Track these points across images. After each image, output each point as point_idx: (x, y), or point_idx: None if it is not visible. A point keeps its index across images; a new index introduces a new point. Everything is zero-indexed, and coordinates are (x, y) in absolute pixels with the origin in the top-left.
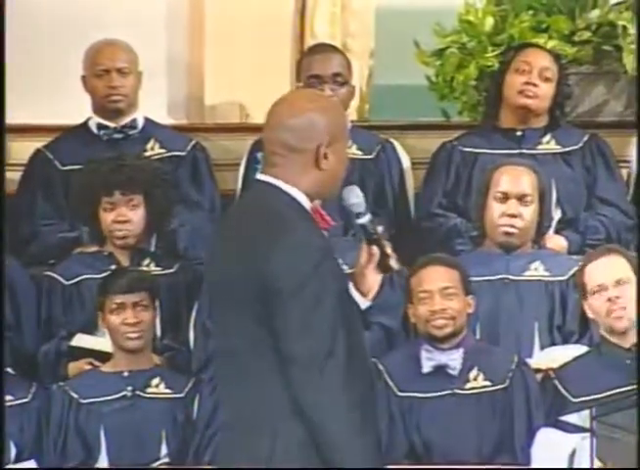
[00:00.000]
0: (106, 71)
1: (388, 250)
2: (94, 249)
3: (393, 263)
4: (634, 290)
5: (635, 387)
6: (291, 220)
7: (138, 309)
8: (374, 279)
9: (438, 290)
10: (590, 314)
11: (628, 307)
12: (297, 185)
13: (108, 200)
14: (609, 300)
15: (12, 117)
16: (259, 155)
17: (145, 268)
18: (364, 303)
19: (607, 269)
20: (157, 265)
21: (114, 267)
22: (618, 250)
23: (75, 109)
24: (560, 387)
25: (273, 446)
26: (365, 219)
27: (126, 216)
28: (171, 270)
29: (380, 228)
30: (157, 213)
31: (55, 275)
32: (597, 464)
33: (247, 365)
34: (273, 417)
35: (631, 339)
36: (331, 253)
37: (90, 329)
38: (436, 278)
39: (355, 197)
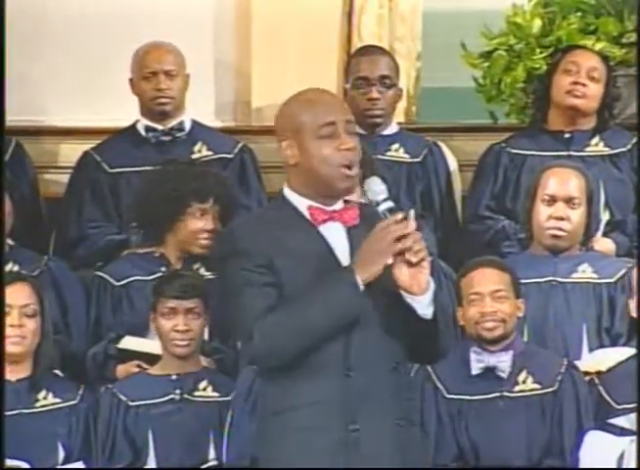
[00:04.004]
0: (153, 74)
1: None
2: (144, 250)
3: (410, 256)
4: None
5: None
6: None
7: (190, 317)
8: (402, 273)
9: (489, 292)
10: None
11: None
12: (288, 184)
13: (200, 206)
14: None
15: (61, 120)
16: None
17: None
18: (414, 300)
19: None
20: (207, 270)
21: (164, 269)
22: None
23: (123, 111)
24: (604, 393)
25: None
26: (382, 207)
27: (213, 225)
28: None
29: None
30: (223, 221)
31: (105, 275)
32: None
33: None
34: None
35: None
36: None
37: (139, 331)
38: (488, 281)
39: (373, 186)
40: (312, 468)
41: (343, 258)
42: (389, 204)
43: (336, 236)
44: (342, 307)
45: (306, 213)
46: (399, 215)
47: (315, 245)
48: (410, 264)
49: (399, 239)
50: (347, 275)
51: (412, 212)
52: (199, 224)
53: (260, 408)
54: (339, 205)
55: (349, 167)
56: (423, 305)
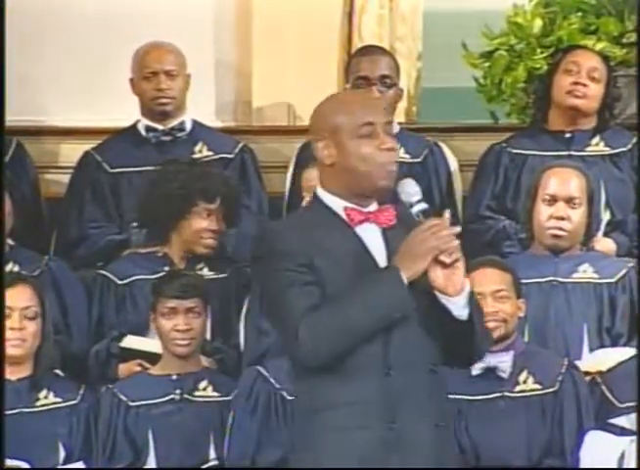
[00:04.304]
0: (154, 74)
1: None
2: (147, 249)
3: (445, 257)
4: None
5: None
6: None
7: (190, 316)
8: (437, 274)
9: (491, 292)
10: None
11: None
12: (322, 185)
13: (207, 206)
14: None
15: (61, 120)
16: None
17: (198, 273)
18: (449, 301)
19: None
20: (210, 270)
21: (167, 269)
22: None
23: (123, 111)
24: (607, 392)
25: None
26: (416, 209)
27: (219, 226)
28: (224, 275)
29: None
30: (227, 222)
31: (108, 274)
32: None
33: None
34: None
35: None
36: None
37: (142, 330)
38: (489, 281)
39: (407, 187)
40: (352, 468)
41: (380, 258)
42: (423, 205)
43: (371, 237)
44: (388, 305)
45: (342, 214)
46: (447, 216)
47: (352, 245)
48: (444, 265)
49: (444, 240)
50: (393, 273)
51: (447, 214)
52: (203, 224)
53: (297, 407)
54: (373, 206)
55: (390, 166)
56: (458, 307)
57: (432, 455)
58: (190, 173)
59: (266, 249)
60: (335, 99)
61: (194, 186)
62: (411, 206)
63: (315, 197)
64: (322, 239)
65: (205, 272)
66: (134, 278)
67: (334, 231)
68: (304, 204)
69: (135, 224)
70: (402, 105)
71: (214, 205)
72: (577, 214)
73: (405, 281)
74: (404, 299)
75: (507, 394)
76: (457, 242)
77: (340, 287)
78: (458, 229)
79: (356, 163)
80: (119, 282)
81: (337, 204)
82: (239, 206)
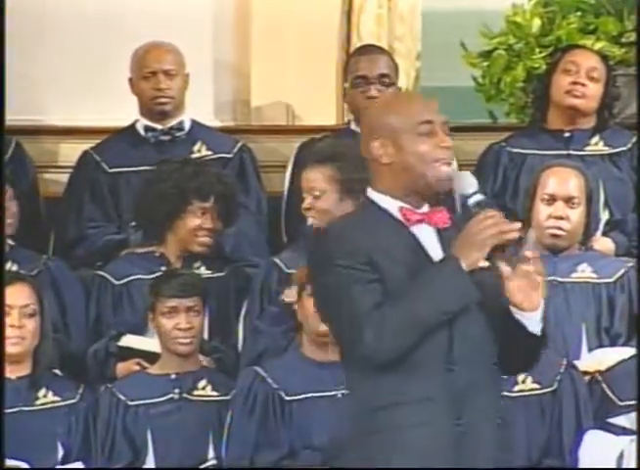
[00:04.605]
0: (153, 74)
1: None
2: (144, 249)
3: (528, 253)
4: None
5: None
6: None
7: (191, 314)
8: (514, 286)
9: None
10: None
11: None
12: (373, 186)
13: (201, 205)
14: None
15: (61, 120)
16: None
17: (195, 271)
18: (523, 316)
19: None
20: (207, 269)
21: (164, 269)
22: None
23: (123, 111)
24: (607, 390)
25: None
26: (472, 200)
27: (214, 224)
28: (222, 274)
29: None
30: (223, 220)
31: (105, 274)
32: None
33: None
34: None
35: None
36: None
37: (139, 329)
38: None
39: (463, 179)
40: (419, 468)
41: (436, 257)
42: (480, 197)
43: (427, 236)
44: (451, 295)
45: (397, 214)
46: (532, 236)
47: (409, 243)
48: (523, 280)
49: (503, 232)
50: (452, 263)
51: (532, 233)
52: (198, 222)
53: (354, 406)
54: (425, 207)
55: (448, 164)
56: (533, 322)
57: (494, 453)
58: (183, 172)
59: (327, 248)
60: (390, 99)
61: (188, 185)
62: (467, 197)
63: (366, 198)
64: (379, 238)
65: (203, 271)
66: (131, 278)
67: (389, 231)
68: (304, 205)
69: (133, 224)
70: None
71: (209, 203)
72: (576, 214)
73: (465, 269)
74: (466, 286)
75: (506, 393)
76: (517, 235)
77: (400, 284)
78: (518, 225)
79: (415, 161)
80: (116, 282)
81: (391, 204)
82: (235, 203)
